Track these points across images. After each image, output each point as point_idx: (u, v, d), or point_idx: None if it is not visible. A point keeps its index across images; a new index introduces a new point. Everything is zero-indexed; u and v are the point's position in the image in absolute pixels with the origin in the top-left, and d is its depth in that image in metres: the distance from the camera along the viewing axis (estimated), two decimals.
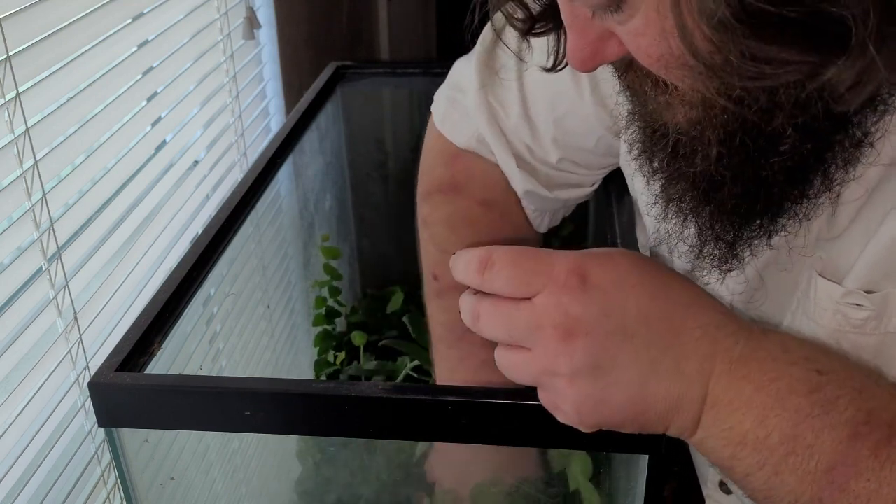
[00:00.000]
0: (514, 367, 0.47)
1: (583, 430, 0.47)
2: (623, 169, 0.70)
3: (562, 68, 0.50)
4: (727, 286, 0.55)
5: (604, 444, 0.54)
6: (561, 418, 0.47)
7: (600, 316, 0.43)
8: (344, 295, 1.08)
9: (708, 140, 0.42)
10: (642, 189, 0.61)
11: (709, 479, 0.78)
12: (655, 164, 0.48)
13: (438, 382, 0.76)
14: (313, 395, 0.52)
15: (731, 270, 0.50)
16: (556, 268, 0.44)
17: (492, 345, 0.48)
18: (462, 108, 0.76)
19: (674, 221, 0.50)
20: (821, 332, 0.49)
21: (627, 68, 0.45)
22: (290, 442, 0.83)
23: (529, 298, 0.45)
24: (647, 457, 0.52)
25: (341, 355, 0.94)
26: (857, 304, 0.47)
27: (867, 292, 0.47)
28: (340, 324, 1.03)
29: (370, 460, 0.69)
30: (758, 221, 0.46)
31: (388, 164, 1.24)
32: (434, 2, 2.20)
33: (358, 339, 0.93)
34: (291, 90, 1.33)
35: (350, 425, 0.52)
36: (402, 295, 1.04)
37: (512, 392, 0.50)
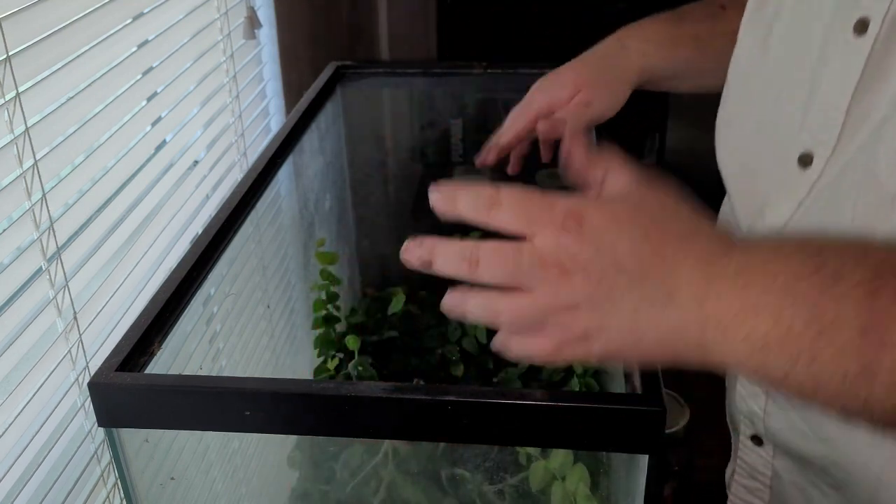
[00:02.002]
0: (516, 308, 0.48)
1: (593, 361, 0.48)
2: None
3: None
4: None
5: (604, 444, 0.54)
6: (567, 354, 0.48)
7: (595, 254, 0.46)
8: (344, 295, 1.08)
9: None
10: None
11: (741, 433, 0.80)
12: None
13: None
14: (313, 395, 0.52)
15: None
16: (556, 209, 0.47)
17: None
18: None
19: None
20: None
21: None
22: (289, 442, 0.83)
23: (527, 240, 0.47)
24: (647, 457, 0.52)
25: (334, 361, 0.94)
26: None
27: None
28: (341, 324, 1.03)
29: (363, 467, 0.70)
30: None
31: (388, 164, 1.24)
32: (434, 2, 2.20)
33: (351, 342, 0.93)
34: (291, 90, 1.33)
35: (350, 425, 0.52)
36: (403, 296, 1.04)
37: (512, 392, 0.50)
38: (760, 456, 0.80)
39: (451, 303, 0.50)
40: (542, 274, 0.46)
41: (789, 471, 0.78)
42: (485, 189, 0.49)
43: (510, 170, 0.95)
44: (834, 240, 0.48)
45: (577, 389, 0.85)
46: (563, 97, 0.89)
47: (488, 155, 0.92)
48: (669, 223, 0.48)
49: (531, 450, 0.67)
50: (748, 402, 0.77)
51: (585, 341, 0.47)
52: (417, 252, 0.50)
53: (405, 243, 0.50)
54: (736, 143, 0.76)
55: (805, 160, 0.65)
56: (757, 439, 0.79)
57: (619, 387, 0.54)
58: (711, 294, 0.46)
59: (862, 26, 0.59)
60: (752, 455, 0.81)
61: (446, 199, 0.50)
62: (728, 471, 0.89)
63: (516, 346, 0.49)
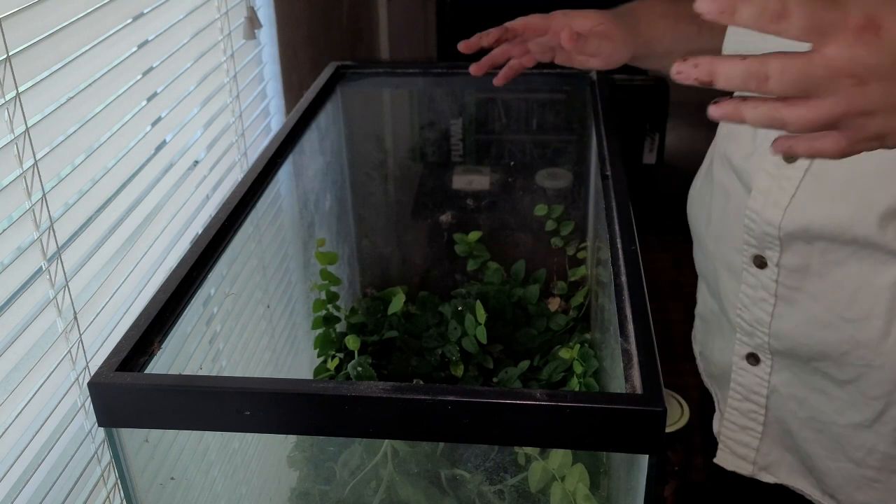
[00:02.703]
0: (806, 115, 0.48)
1: (885, 147, 0.50)
2: None
3: None
4: None
5: (604, 444, 0.54)
6: (860, 148, 0.49)
7: (893, 66, 0.46)
8: (344, 295, 1.08)
9: None
10: None
11: (735, 354, 0.83)
12: None
13: None
14: (313, 395, 0.52)
15: None
16: (850, 19, 0.46)
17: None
18: None
19: None
20: None
21: None
22: (289, 442, 0.83)
23: (816, 51, 0.47)
24: (647, 457, 0.52)
25: (335, 361, 0.94)
26: None
27: None
28: (341, 324, 1.03)
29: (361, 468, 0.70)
30: None
31: (388, 164, 1.24)
32: (434, 2, 2.20)
33: (351, 342, 0.93)
34: (291, 90, 1.33)
35: (350, 425, 0.52)
36: (403, 296, 1.04)
37: (512, 392, 0.50)
38: (756, 376, 0.82)
39: (724, 111, 0.49)
40: (836, 83, 0.47)
41: (788, 383, 0.80)
42: (770, 0, 0.47)
43: (497, 81, 0.94)
44: None
45: (577, 389, 0.85)
46: (586, 24, 0.88)
47: (485, 37, 0.90)
48: None
49: (530, 450, 0.67)
50: (752, 309, 0.79)
51: (880, 140, 0.49)
52: (694, 73, 0.48)
53: (675, 65, 0.49)
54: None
55: None
56: (753, 358, 0.81)
57: (619, 387, 0.54)
58: None
59: None
60: (747, 376, 0.83)
61: (725, 7, 0.47)
62: (715, 423, 0.91)
63: (803, 145, 0.50)
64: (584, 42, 0.86)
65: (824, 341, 0.75)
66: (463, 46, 0.89)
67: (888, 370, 0.72)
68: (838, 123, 0.48)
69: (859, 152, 0.50)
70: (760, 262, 0.77)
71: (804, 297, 0.75)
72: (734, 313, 0.82)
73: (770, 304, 0.77)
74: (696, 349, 0.98)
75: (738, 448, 0.87)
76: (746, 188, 0.77)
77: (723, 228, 0.83)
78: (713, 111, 0.50)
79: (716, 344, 0.89)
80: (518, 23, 0.90)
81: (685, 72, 0.48)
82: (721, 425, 0.88)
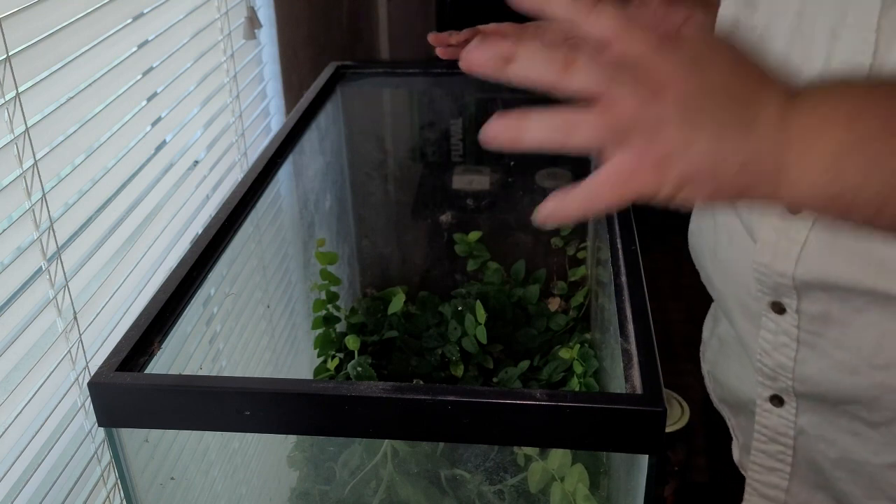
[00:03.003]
0: (599, 119, 0.45)
1: (664, 191, 0.46)
2: None
3: None
4: None
5: (604, 444, 0.54)
6: (646, 179, 0.46)
7: (688, 76, 0.46)
8: (344, 295, 1.08)
9: None
10: None
11: (758, 396, 0.79)
12: None
13: None
14: (313, 395, 0.52)
15: None
16: (654, 32, 0.46)
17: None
18: None
19: None
20: None
21: None
22: (289, 442, 0.83)
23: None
24: (647, 457, 0.52)
25: (335, 361, 0.94)
26: None
27: None
28: (341, 324, 1.03)
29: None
30: None
31: (388, 164, 1.24)
32: (434, 2, 2.20)
33: (351, 342, 0.93)
34: (291, 90, 1.33)
35: (350, 425, 0.52)
36: (403, 296, 1.04)
37: (512, 392, 0.50)
38: (781, 417, 0.78)
39: (500, 128, 0.46)
40: (636, 82, 0.45)
41: (816, 425, 0.76)
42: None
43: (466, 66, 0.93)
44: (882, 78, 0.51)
45: (577, 389, 0.85)
46: (556, 40, 0.87)
47: (455, 36, 0.88)
48: (750, 56, 0.48)
49: (529, 451, 0.67)
50: (774, 355, 0.75)
51: (664, 165, 0.45)
52: (487, 54, 0.46)
53: (467, 49, 0.46)
54: None
55: None
56: (777, 399, 0.77)
57: (619, 387, 0.54)
58: (790, 115, 0.46)
59: None
60: (771, 418, 0.79)
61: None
62: (735, 451, 0.87)
63: (580, 197, 0.46)
64: None
65: (853, 386, 0.71)
66: (433, 38, 0.88)
67: None
68: (631, 133, 0.45)
69: (642, 188, 0.46)
70: (779, 308, 0.73)
71: (828, 343, 0.71)
72: (754, 357, 0.78)
73: (792, 350, 0.73)
74: (705, 368, 0.94)
75: (768, 490, 0.83)
76: (751, 236, 0.73)
77: (731, 269, 0.79)
78: (488, 133, 0.46)
79: (731, 370, 0.86)
80: (490, 27, 0.88)
81: (475, 55, 0.46)
82: (747, 465, 0.84)
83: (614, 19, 0.46)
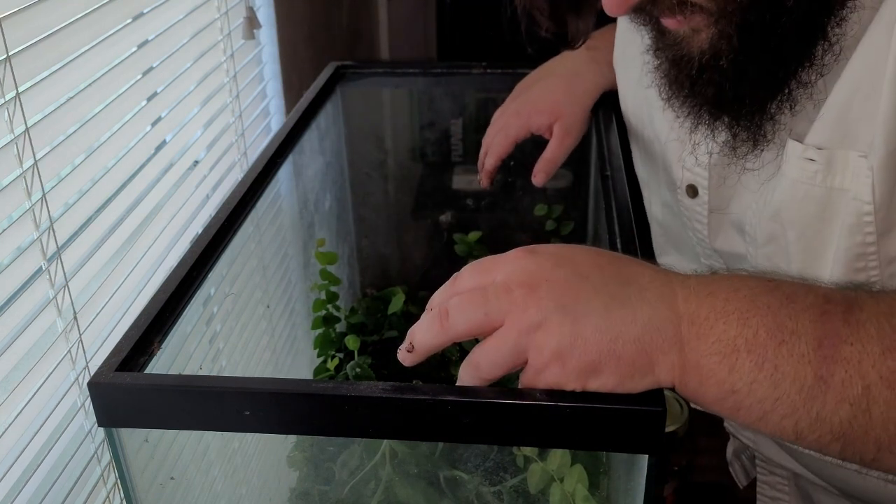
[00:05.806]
0: (494, 347, 0.49)
1: (570, 385, 0.48)
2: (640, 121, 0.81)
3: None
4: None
5: (604, 444, 0.54)
6: (549, 379, 0.48)
7: (555, 267, 0.48)
8: (343, 295, 1.08)
9: (729, 36, 0.53)
10: (665, 124, 0.74)
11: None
12: (686, 89, 0.60)
13: None
14: (313, 395, 0.52)
15: (762, 149, 0.61)
16: (509, 254, 0.50)
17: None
18: None
19: (705, 127, 0.62)
20: (785, 181, 0.60)
21: (654, 3, 0.56)
22: (289, 442, 0.83)
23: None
24: (647, 457, 0.52)
25: (334, 361, 0.94)
26: (811, 159, 0.58)
27: (819, 149, 0.57)
28: (341, 324, 1.03)
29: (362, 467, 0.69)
30: (778, 94, 0.57)
31: (388, 164, 1.24)
32: (434, 2, 2.20)
33: (351, 343, 0.93)
34: (291, 90, 1.33)
35: (350, 425, 0.52)
36: (403, 296, 1.04)
37: (512, 392, 0.50)
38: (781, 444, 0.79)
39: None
40: (508, 299, 0.48)
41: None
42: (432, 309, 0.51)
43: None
44: (780, 273, 0.53)
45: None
46: (543, 124, 0.90)
47: (485, 179, 0.97)
48: (614, 258, 0.51)
49: (528, 451, 0.67)
50: (738, 435, 0.79)
51: (561, 360, 0.47)
52: (401, 355, 0.52)
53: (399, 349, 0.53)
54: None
55: (691, 192, 0.71)
56: None
57: None
58: (678, 298, 0.47)
59: None
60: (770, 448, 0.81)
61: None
62: (729, 450, 0.89)
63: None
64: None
65: (802, 471, 0.75)
66: (484, 183, 0.98)
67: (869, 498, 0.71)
68: (522, 349, 0.48)
69: (549, 385, 0.48)
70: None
71: None
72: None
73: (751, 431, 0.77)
74: None
75: None
76: None
77: None
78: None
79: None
80: (495, 162, 0.96)
81: (400, 356, 0.52)
82: (734, 464, 0.88)
83: (469, 273, 0.51)
